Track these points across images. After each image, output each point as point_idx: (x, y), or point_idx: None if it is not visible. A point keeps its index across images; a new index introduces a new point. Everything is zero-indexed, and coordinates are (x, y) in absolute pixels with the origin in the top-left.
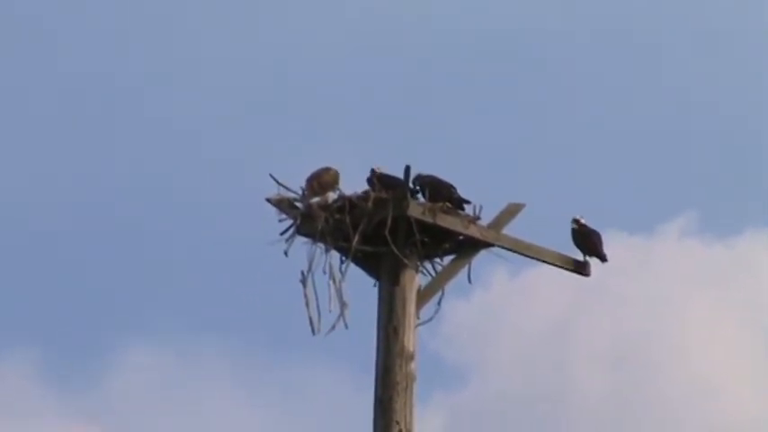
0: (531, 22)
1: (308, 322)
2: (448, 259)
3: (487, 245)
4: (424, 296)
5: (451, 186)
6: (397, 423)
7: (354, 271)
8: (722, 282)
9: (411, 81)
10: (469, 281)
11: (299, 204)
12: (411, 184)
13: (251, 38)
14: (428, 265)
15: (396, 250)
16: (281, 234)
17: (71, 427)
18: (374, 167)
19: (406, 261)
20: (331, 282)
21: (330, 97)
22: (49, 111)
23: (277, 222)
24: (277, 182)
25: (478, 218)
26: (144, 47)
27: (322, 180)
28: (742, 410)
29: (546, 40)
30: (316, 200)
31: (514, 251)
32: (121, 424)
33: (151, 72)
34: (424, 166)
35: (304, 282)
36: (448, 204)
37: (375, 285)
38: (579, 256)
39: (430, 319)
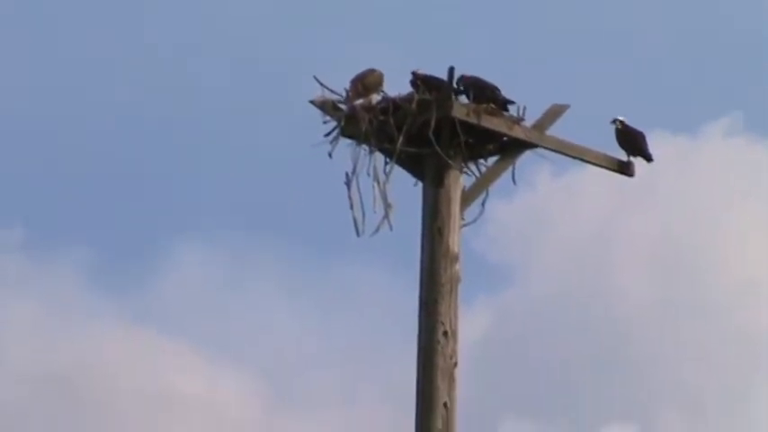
0: None
1: (353, 224)
2: (492, 160)
3: (531, 146)
4: (468, 197)
5: (495, 88)
6: (442, 324)
7: (399, 173)
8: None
9: None
10: (514, 182)
11: (342, 106)
12: (455, 86)
13: None
14: (472, 167)
15: (440, 151)
16: (325, 136)
17: (126, 327)
18: (414, 70)
19: (450, 162)
20: (375, 183)
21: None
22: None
23: (321, 125)
24: (321, 84)
25: (522, 119)
26: None
27: (366, 81)
28: None
29: None
30: (360, 102)
31: (558, 152)
32: (175, 324)
33: None
34: (467, 67)
35: (348, 183)
36: (492, 105)
37: (418, 186)
38: (623, 157)
39: (474, 221)
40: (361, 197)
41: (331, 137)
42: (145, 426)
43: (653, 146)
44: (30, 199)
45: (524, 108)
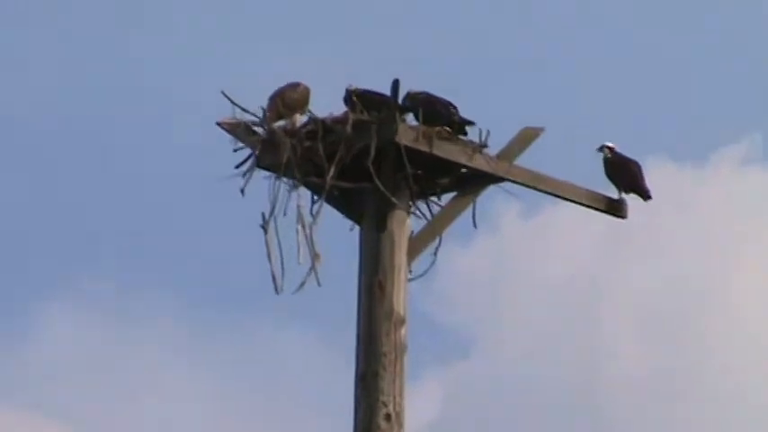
0: None
1: (270, 278)
2: (447, 198)
3: (496, 179)
4: (417, 244)
5: (451, 105)
6: (384, 405)
7: (330, 213)
8: None
9: None
10: (474, 224)
11: (259, 129)
12: (400, 103)
13: None
14: (422, 206)
15: (381, 187)
16: (237, 167)
17: None
18: (348, 87)
19: (394, 200)
20: (300, 227)
21: None
22: None
23: (232, 152)
24: (231, 101)
25: (485, 145)
26: None
27: (288, 98)
28: None
29: None
30: (280, 123)
31: (530, 186)
32: (43, 401)
33: None
34: (416, 81)
35: (265, 227)
36: (447, 129)
37: (355, 231)
38: (613, 193)
39: (424, 273)
40: (280, 244)
41: (244, 168)
42: None
43: (651, 178)
44: None
45: (488, 132)
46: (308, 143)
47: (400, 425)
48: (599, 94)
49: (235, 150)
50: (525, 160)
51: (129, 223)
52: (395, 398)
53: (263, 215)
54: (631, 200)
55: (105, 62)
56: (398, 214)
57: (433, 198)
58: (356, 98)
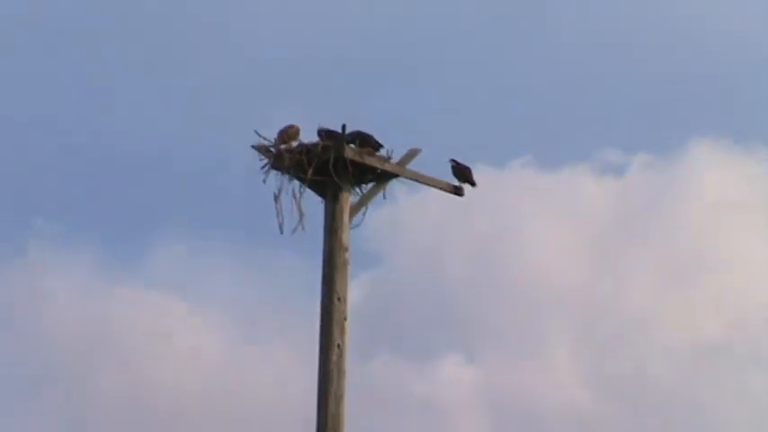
0: None
1: (277, 225)
2: (370, 185)
3: (395, 176)
4: (354, 209)
5: (372, 137)
6: (336, 292)
7: (309, 194)
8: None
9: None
10: (384, 197)
11: (272, 149)
12: (346, 136)
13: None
14: (357, 189)
15: (336, 179)
16: (261, 168)
17: None
18: (319, 127)
19: (342, 186)
20: (293, 200)
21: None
22: None
23: (259, 161)
24: (259, 135)
25: (390, 158)
26: None
27: (288, 133)
28: None
29: None
30: (283, 146)
31: (412, 179)
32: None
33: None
34: (355, 123)
35: (276, 199)
36: (371, 149)
37: (322, 203)
38: (456, 183)
39: (358, 225)
40: (283, 208)
41: (265, 169)
42: None
43: (477, 176)
44: None
45: (392, 150)
46: (298, 156)
47: (345, 303)
48: (454, 125)
49: (260, 160)
50: (413, 165)
51: (211, 197)
52: (343, 289)
53: (274, 194)
54: (467, 187)
55: None
56: (345, 194)
57: (363, 185)
58: (323, 133)
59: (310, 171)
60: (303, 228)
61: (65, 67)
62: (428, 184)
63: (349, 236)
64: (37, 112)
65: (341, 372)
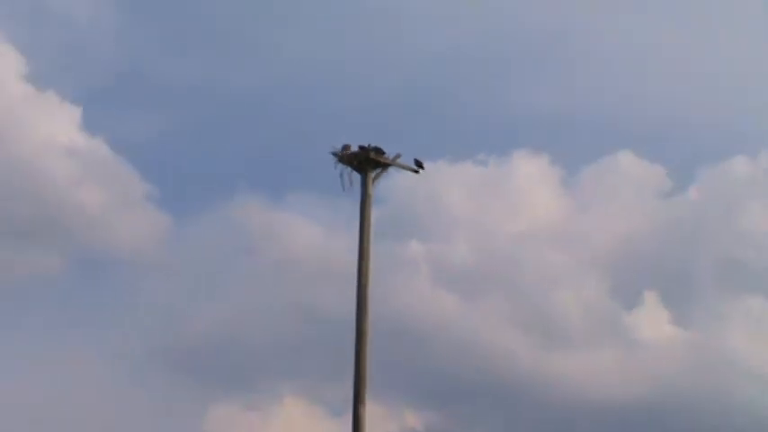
0: None
1: (341, 186)
2: (379, 170)
3: (390, 165)
4: (373, 180)
5: (380, 148)
6: (367, 217)
7: (354, 175)
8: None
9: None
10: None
11: (339, 153)
12: (373, 149)
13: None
14: (373, 172)
15: (366, 166)
16: (336, 161)
17: None
18: (361, 144)
19: (368, 170)
20: (348, 175)
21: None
22: None
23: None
24: (333, 149)
25: (399, 155)
26: None
27: (346, 147)
28: None
29: None
30: (344, 152)
31: (398, 166)
32: None
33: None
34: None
35: (341, 175)
36: (384, 154)
37: (360, 176)
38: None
39: (376, 187)
40: (344, 180)
41: (335, 161)
42: None
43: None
44: None
45: (398, 154)
46: (350, 156)
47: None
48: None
49: (334, 156)
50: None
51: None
52: (368, 214)
53: (340, 174)
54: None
55: None
56: (369, 173)
57: (378, 169)
58: (359, 148)
59: (355, 162)
60: (351, 185)
61: None
62: (404, 168)
63: (372, 192)
64: None
65: None
